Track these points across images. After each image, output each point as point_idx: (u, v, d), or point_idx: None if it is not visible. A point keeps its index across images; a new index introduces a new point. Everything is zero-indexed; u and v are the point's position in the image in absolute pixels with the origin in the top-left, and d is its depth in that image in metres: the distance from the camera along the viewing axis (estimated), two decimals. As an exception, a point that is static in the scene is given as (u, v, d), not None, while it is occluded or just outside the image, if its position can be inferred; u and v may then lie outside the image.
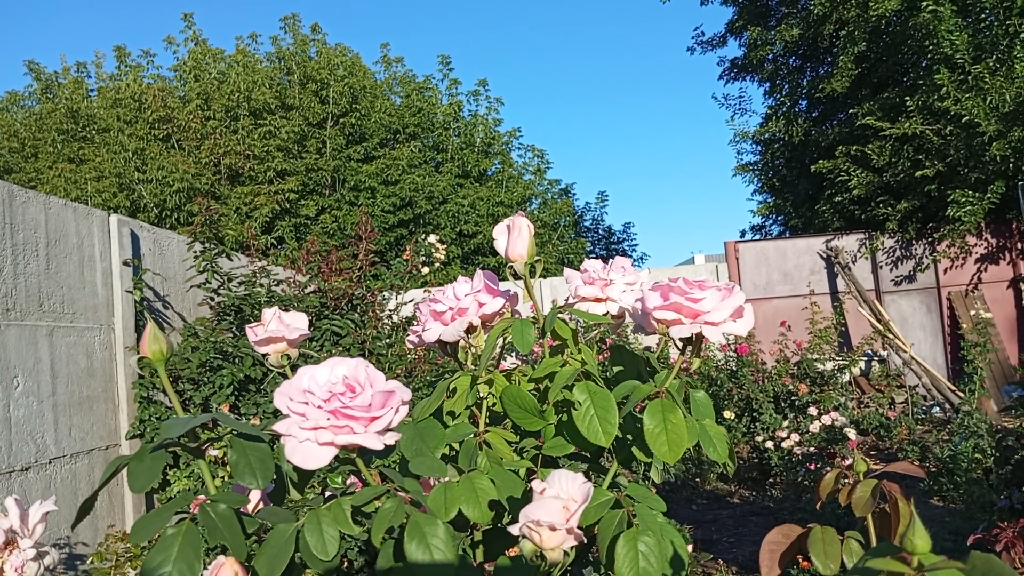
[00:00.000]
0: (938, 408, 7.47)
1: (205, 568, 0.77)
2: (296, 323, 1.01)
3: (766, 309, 8.51)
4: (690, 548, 3.36)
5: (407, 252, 5.37)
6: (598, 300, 1.11)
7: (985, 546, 2.01)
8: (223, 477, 3.39)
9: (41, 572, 0.98)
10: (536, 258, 1.06)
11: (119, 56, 12.89)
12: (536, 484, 0.82)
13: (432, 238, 5.65)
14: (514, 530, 0.80)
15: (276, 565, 0.76)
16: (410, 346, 1.14)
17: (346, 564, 2.67)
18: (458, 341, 1.06)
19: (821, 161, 9.36)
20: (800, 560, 2.55)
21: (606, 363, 1.23)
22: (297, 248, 9.35)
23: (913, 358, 7.73)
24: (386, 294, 5.17)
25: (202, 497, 0.83)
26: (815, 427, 5.16)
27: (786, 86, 11.00)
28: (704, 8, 20.98)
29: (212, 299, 4.44)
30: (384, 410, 0.78)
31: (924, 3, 7.86)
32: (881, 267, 8.84)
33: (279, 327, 0.99)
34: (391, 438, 0.79)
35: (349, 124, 12.07)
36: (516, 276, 1.05)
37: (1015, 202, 8.12)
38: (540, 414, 0.99)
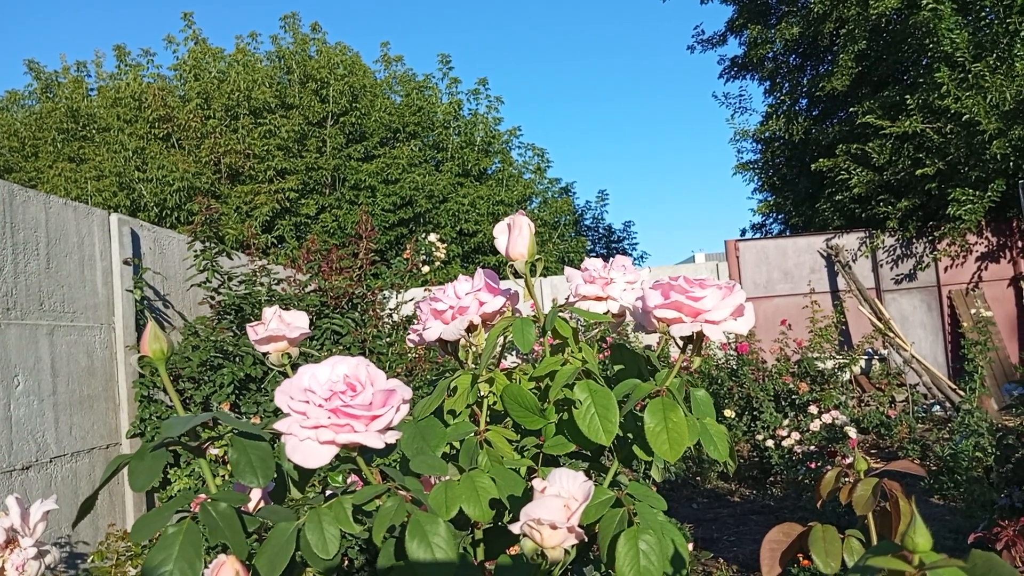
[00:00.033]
0: (939, 407, 7.47)
1: (206, 567, 0.77)
2: (297, 322, 1.01)
3: (767, 308, 8.51)
4: (691, 547, 3.36)
5: (407, 251, 5.37)
6: (599, 299, 1.11)
7: (986, 545, 2.01)
8: (224, 476, 3.39)
9: (42, 571, 0.98)
10: (537, 257, 1.06)
11: (119, 55, 12.89)
12: (537, 483, 0.82)
13: (432, 237, 5.65)
14: (515, 528, 0.80)
15: (277, 564, 0.76)
16: (411, 345, 1.14)
17: (347, 563, 2.68)
18: (459, 340, 1.06)
19: (821, 159, 9.36)
20: (801, 559, 2.55)
21: (607, 362, 1.23)
22: (297, 247, 9.35)
23: (914, 356, 7.73)
24: (386, 293, 5.17)
25: (203, 496, 0.83)
26: (815, 426, 5.16)
27: (786, 84, 10.99)
28: (704, 6, 20.95)
29: (212, 298, 4.44)
30: (385, 409, 0.77)
31: (924, 1, 7.85)
32: (881, 265, 8.84)
33: (280, 326, 0.99)
34: (392, 437, 0.79)
35: (349, 123, 12.07)
36: (517, 275, 1.05)
37: (1015, 200, 8.11)
38: (541, 413, 0.99)
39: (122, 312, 3.90)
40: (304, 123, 11.62)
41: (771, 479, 5.46)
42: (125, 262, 3.94)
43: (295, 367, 0.93)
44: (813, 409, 5.33)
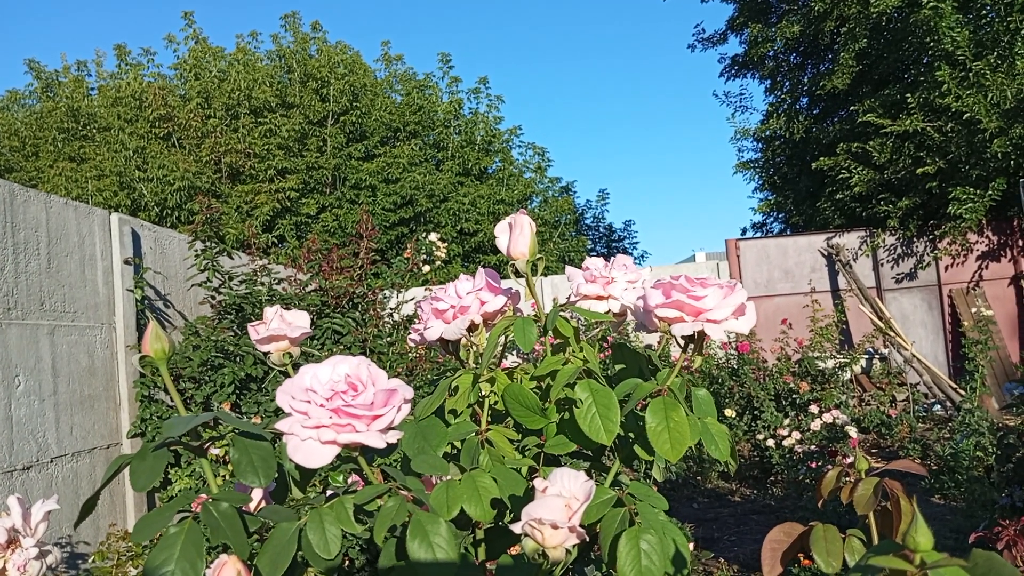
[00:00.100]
0: (939, 406, 7.47)
1: (207, 567, 0.77)
2: (298, 321, 1.01)
3: (767, 307, 8.51)
4: (691, 546, 3.37)
5: (408, 250, 5.37)
6: (600, 298, 1.11)
7: (987, 544, 2.01)
8: (225, 476, 3.39)
9: (44, 571, 0.98)
10: (538, 256, 1.06)
11: (119, 55, 12.89)
12: (538, 482, 0.82)
13: (433, 236, 5.65)
14: (516, 528, 0.80)
15: (278, 564, 0.76)
16: (412, 344, 1.14)
17: (347, 563, 2.68)
18: (460, 339, 1.06)
19: (822, 158, 9.35)
20: (802, 558, 2.55)
21: (608, 361, 1.23)
22: (298, 246, 9.35)
23: (914, 356, 7.73)
24: (387, 292, 5.17)
25: (204, 496, 0.83)
26: (816, 425, 5.16)
27: (787, 83, 10.98)
28: (705, 5, 20.95)
29: (213, 298, 4.44)
30: (386, 408, 0.77)
31: (925, 0, 7.85)
32: (882, 264, 8.84)
33: (281, 325, 0.99)
34: (393, 436, 0.79)
35: (350, 122, 12.07)
36: (518, 274, 1.05)
37: (1016, 199, 8.11)
38: (542, 412, 0.99)
39: (123, 312, 3.90)
40: (304, 122, 11.62)
41: (772, 479, 5.46)
42: (126, 262, 3.94)
43: (296, 367, 0.93)
44: (814, 408, 5.33)
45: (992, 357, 7.30)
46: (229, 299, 4.38)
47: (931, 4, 7.78)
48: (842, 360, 6.34)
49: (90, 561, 2.97)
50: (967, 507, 3.86)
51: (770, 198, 12.27)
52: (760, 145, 12.09)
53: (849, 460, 4.02)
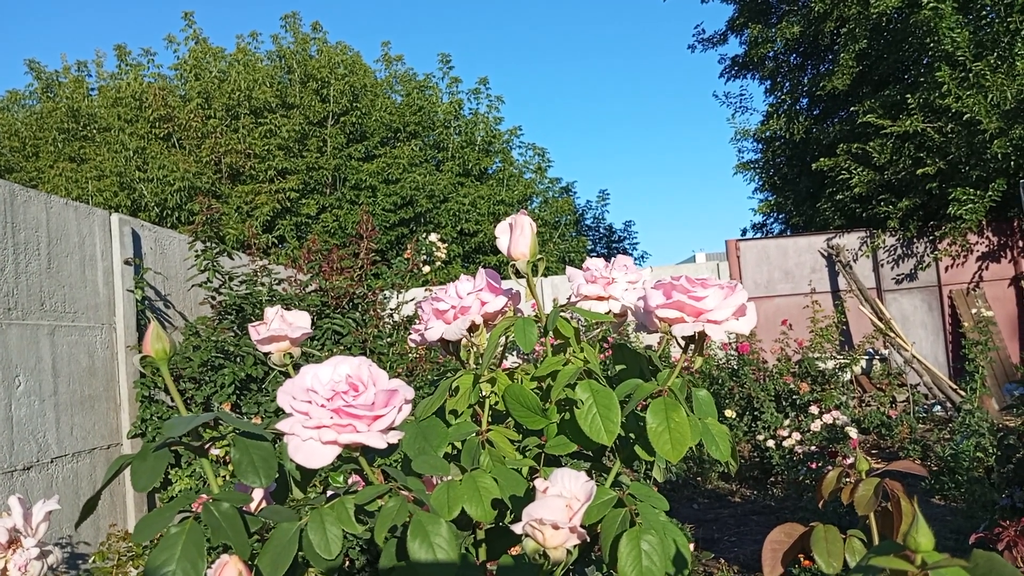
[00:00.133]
0: (939, 407, 7.47)
1: (208, 567, 0.77)
2: (299, 322, 1.01)
3: (767, 307, 8.51)
4: (692, 547, 3.36)
5: (408, 251, 5.37)
6: (600, 298, 1.11)
7: (987, 545, 2.01)
8: (225, 476, 3.39)
9: (44, 571, 0.98)
10: (538, 256, 1.06)
11: (120, 55, 12.89)
12: (539, 483, 0.82)
13: (433, 237, 5.65)
14: (517, 529, 0.80)
15: (279, 564, 0.76)
16: (412, 345, 1.14)
17: (348, 563, 2.68)
18: (460, 340, 1.06)
19: (822, 159, 9.35)
20: (802, 559, 2.55)
21: (608, 362, 1.23)
22: (298, 247, 9.35)
23: (914, 356, 7.73)
24: (387, 293, 5.17)
25: (205, 496, 0.84)
26: (816, 426, 5.16)
27: (787, 84, 10.98)
28: (705, 6, 20.95)
29: (213, 298, 4.44)
30: (387, 409, 0.78)
31: (925, 0, 7.85)
32: (882, 265, 8.84)
33: (282, 326, 1.00)
34: (394, 437, 0.79)
35: (350, 123, 12.07)
36: (518, 274, 1.05)
37: (1016, 200, 8.11)
38: (543, 413, 0.99)
39: (123, 312, 3.90)
40: (305, 123, 11.62)
41: (772, 479, 5.46)
42: (126, 262, 3.95)
43: (297, 367, 0.93)
44: (814, 409, 5.33)
45: (992, 358, 7.30)
46: (229, 299, 4.38)
47: (931, 5, 7.78)
48: (842, 361, 6.34)
49: (90, 561, 2.97)
50: (967, 508, 3.86)
51: (770, 199, 12.27)
52: (760, 146, 12.09)
53: (849, 461, 4.01)
